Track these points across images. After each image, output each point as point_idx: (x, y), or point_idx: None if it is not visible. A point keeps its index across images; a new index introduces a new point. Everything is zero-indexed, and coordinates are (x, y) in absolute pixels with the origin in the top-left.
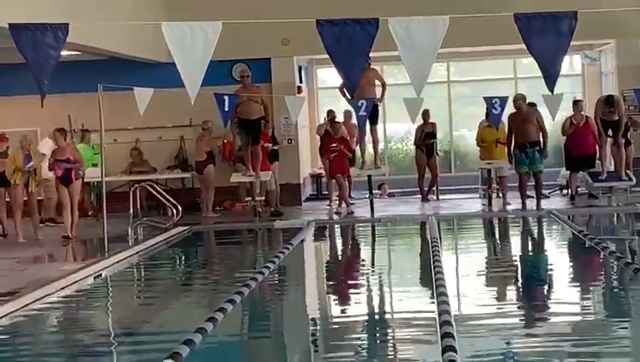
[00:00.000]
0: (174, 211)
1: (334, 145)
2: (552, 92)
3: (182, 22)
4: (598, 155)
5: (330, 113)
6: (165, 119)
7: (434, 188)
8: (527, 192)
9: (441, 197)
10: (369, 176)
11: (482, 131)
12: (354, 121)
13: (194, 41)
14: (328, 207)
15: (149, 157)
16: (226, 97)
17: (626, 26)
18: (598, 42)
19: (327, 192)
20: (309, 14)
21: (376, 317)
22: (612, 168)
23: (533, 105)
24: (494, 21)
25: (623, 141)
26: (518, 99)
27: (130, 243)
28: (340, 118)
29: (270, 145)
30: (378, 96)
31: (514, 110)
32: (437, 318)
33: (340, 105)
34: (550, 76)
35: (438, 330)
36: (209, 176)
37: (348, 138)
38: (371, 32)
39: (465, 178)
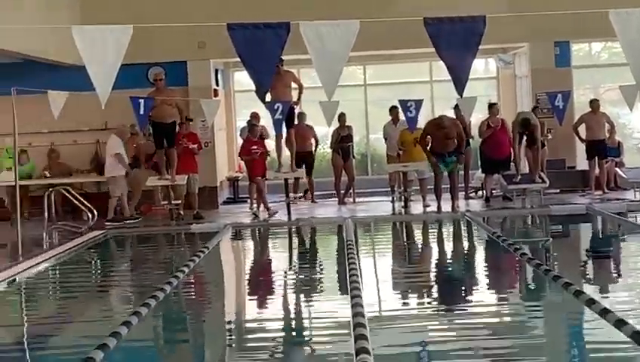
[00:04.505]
0: (90, 215)
1: (254, 147)
2: (462, 95)
3: (93, 25)
4: (512, 158)
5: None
6: (80, 123)
7: (351, 191)
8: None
9: (357, 199)
10: (285, 180)
11: (402, 135)
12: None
13: (105, 45)
14: (248, 211)
15: (64, 161)
16: (142, 100)
17: (539, 30)
18: (512, 45)
19: (244, 195)
20: (224, 18)
21: (292, 320)
22: (526, 170)
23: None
24: (409, 24)
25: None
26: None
27: (45, 248)
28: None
29: (196, 146)
30: (295, 99)
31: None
32: (351, 321)
33: (259, 108)
34: (459, 80)
35: (352, 333)
36: (137, 179)
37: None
38: (282, 35)
39: (382, 181)
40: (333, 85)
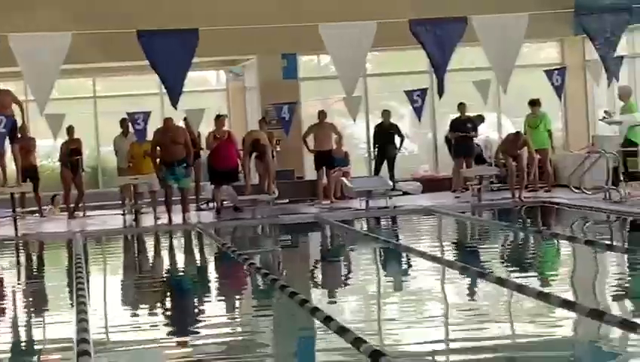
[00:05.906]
0: None
1: None
2: (176, 107)
3: None
4: (240, 169)
5: None
6: None
7: (80, 205)
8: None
9: (88, 213)
10: (12, 194)
11: (131, 147)
12: None
13: None
14: None
15: None
16: None
17: (267, 42)
18: (241, 58)
19: None
20: None
21: (15, 340)
22: (256, 181)
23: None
24: (133, 36)
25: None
26: (167, 120)
27: None
28: None
29: None
30: (17, 113)
31: (160, 126)
32: (75, 344)
33: None
34: (174, 92)
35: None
36: None
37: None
38: None
39: (112, 194)
40: (45, 97)
